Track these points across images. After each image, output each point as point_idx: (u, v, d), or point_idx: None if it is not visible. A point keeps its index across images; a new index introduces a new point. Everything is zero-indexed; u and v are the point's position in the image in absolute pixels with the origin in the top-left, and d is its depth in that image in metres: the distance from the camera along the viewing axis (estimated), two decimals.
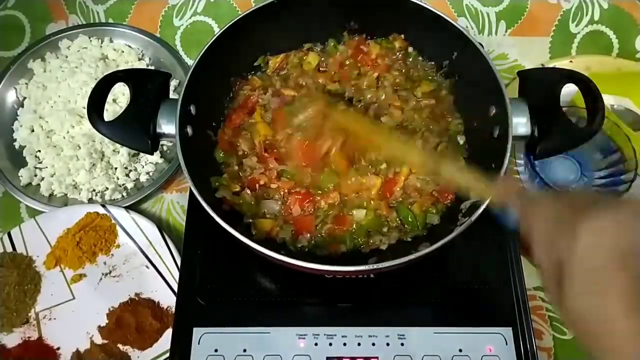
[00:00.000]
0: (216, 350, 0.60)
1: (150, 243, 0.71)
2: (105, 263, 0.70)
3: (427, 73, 0.72)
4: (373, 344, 0.60)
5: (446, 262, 0.67)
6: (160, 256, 0.70)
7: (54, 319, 0.67)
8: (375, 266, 0.52)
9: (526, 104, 0.58)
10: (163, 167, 0.78)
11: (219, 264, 0.67)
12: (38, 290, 0.69)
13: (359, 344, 0.60)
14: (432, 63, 0.73)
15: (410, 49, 0.73)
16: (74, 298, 0.68)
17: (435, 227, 0.62)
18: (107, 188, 0.75)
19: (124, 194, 0.76)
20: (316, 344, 0.60)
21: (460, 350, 0.60)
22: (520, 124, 0.57)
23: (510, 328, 0.61)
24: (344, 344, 0.60)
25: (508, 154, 0.54)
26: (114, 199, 0.75)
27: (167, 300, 0.68)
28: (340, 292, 0.65)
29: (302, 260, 0.52)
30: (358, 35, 0.74)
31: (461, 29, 0.62)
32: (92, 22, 0.91)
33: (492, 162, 0.57)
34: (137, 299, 0.68)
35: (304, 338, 0.61)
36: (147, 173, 0.78)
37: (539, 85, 0.60)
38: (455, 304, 0.64)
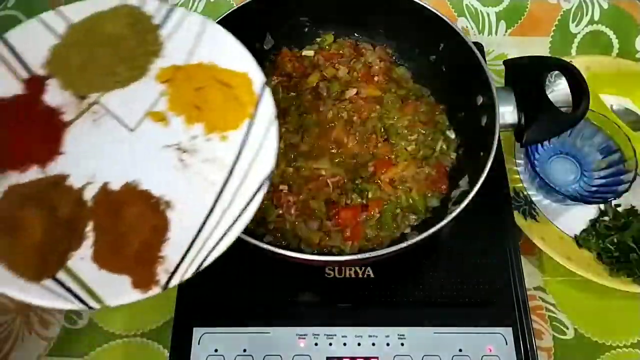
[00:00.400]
0: (216, 350, 0.60)
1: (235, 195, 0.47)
2: (195, 137, 0.49)
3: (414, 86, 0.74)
4: (373, 344, 0.60)
5: (446, 261, 0.67)
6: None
7: (99, 126, 0.49)
8: (367, 255, 0.52)
9: (512, 92, 0.59)
10: None
11: (218, 264, 0.66)
12: (132, 77, 0.51)
13: (359, 344, 0.60)
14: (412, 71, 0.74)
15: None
16: (132, 130, 0.49)
17: (439, 210, 0.63)
18: None
19: None
20: (316, 344, 0.60)
21: (460, 350, 0.60)
22: (507, 112, 0.59)
23: (511, 328, 0.61)
24: (344, 344, 0.60)
25: (495, 142, 0.56)
26: None
27: None
28: (340, 292, 0.65)
29: (296, 251, 0.52)
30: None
31: (445, 19, 0.64)
32: None
33: (481, 151, 0.57)
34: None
35: (304, 338, 0.61)
36: None
37: (525, 74, 0.61)
38: (455, 304, 0.64)
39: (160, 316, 0.69)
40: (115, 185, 0.46)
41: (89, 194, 0.45)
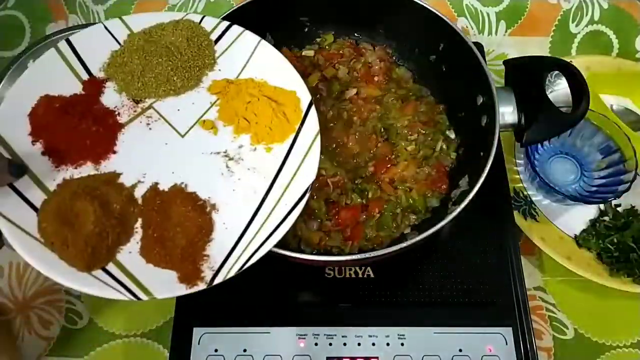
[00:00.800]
0: (216, 350, 0.60)
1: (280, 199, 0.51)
2: (241, 146, 0.53)
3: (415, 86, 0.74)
4: (373, 344, 0.60)
5: (446, 261, 0.67)
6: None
7: (152, 130, 0.52)
8: (367, 255, 0.52)
9: (512, 92, 0.59)
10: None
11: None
12: (185, 86, 0.54)
13: (359, 344, 0.60)
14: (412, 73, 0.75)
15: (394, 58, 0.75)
16: (182, 136, 0.52)
17: (439, 210, 0.63)
18: None
19: None
20: (316, 344, 0.60)
21: (460, 350, 0.60)
22: (507, 112, 0.59)
23: (510, 328, 0.61)
24: (344, 344, 0.60)
25: (495, 142, 0.56)
26: None
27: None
28: (340, 292, 0.65)
29: (296, 251, 0.52)
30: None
31: (445, 19, 0.64)
32: (92, 22, 0.91)
33: (481, 151, 0.57)
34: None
35: (304, 338, 0.61)
36: None
37: (525, 74, 0.61)
38: (455, 304, 0.64)
39: (160, 316, 0.69)
40: (164, 186, 0.49)
41: (139, 193, 0.48)
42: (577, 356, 0.67)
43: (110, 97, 0.53)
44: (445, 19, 0.64)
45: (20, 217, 0.44)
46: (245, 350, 0.60)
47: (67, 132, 0.49)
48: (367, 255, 0.52)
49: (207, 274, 0.45)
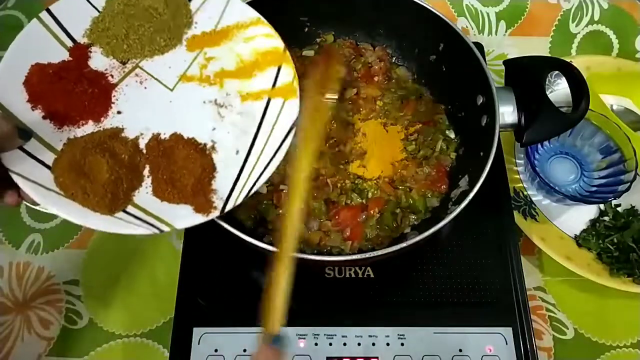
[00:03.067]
0: (216, 350, 0.60)
1: (267, 140, 0.56)
2: (228, 94, 0.57)
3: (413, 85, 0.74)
4: (373, 344, 0.60)
5: (446, 261, 0.67)
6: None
7: (144, 87, 0.56)
8: (367, 255, 0.52)
9: (512, 92, 0.59)
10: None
11: (219, 264, 0.67)
12: (169, 45, 0.58)
13: (359, 344, 0.60)
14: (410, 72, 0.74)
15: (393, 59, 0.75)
16: (172, 90, 0.56)
17: (439, 210, 0.63)
18: None
19: None
20: (316, 344, 0.60)
21: (460, 350, 0.60)
22: (507, 112, 0.59)
23: (510, 328, 0.61)
24: (344, 344, 0.60)
25: (495, 142, 0.56)
26: None
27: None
28: (340, 292, 0.65)
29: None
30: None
31: (445, 19, 0.64)
32: None
33: (481, 151, 0.57)
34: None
35: (304, 338, 0.61)
36: None
37: (525, 74, 0.61)
38: (455, 304, 0.64)
39: (160, 316, 0.69)
40: (165, 135, 0.53)
41: (142, 143, 0.52)
42: (577, 356, 0.67)
43: (99, 61, 0.56)
44: (445, 19, 0.64)
45: (39, 176, 0.47)
46: (245, 350, 0.60)
47: (64, 95, 0.52)
48: (367, 255, 0.52)
49: (219, 204, 0.50)
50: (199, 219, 0.49)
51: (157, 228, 0.48)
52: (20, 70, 0.51)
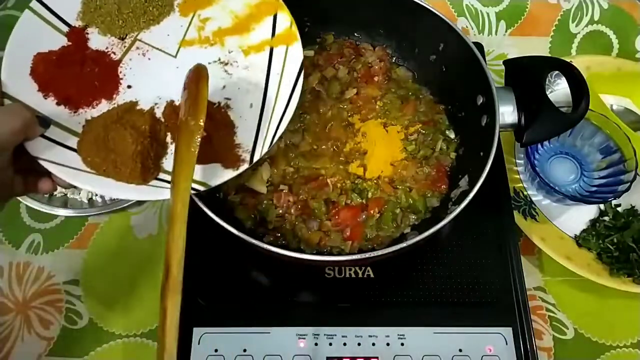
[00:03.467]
0: (216, 351, 0.60)
1: (279, 89, 0.57)
2: (231, 51, 0.58)
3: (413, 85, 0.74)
4: (373, 344, 0.60)
5: (446, 261, 0.67)
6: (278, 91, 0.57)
7: (148, 59, 0.57)
8: (367, 255, 0.52)
9: (512, 92, 0.59)
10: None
11: (219, 264, 0.67)
12: (162, 13, 0.59)
13: (359, 344, 0.60)
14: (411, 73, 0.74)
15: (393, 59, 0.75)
16: (175, 57, 0.57)
17: (439, 210, 0.63)
18: None
19: None
20: (316, 344, 0.60)
21: (460, 350, 0.60)
22: (507, 112, 0.58)
23: (510, 328, 0.61)
24: (344, 344, 0.60)
25: (495, 142, 0.56)
26: (114, 199, 0.75)
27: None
28: (340, 292, 0.65)
29: (296, 251, 0.53)
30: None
31: (445, 19, 0.64)
32: None
33: (481, 151, 0.57)
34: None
35: (304, 338, 0.61)
36: None
37: (525, 74, 0.61)
38: (455, 304, 0.64)
39: None
40: (179, 101, 0.54)
41: (159, 112, 0.54)
42: (577, 356, 0.67)
43: (98, 41, 0.56)
44: (445, 19, 0.64)
45: (67, 159, 0.49)
46: (245, 350, 0.60)
47: (73, 79, 0.53)
48: (367, 255, 0.52)
49: (245, 156, 0.52)
50: (230, 173, 0.51)
51: (193, 189, 0.49)
52: (24, 63, 0.52)
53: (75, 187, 0.50)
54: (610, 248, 0.69)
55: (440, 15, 0.64)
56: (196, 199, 0.52)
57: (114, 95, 0.54)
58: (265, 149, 0.52)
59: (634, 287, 0.67)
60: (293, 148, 0.66)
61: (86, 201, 0.75)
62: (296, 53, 0.57)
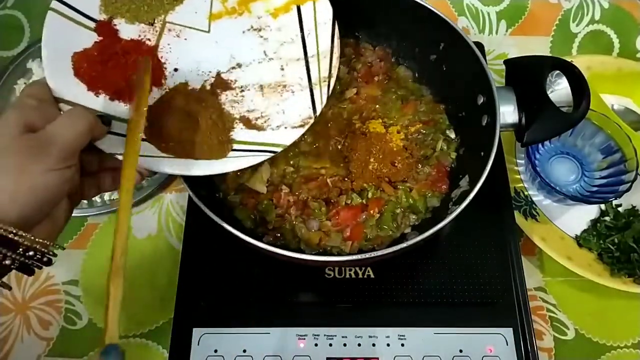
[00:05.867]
0: (216, 351, 0.60)
1: (317, 33, 0.61)
2: (260, 17, 0.61)
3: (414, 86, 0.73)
4: (373, 345, 0.60)
5: (446, 262, 0.66)
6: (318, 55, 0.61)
7: (184, 39, 0.58)
8: (367, 255, 0.52)
9: (513, 92, 0.59)
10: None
11: (218, 264, 0.67)
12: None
13: (359, 345, 0.60)
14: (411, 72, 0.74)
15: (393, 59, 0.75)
16: (208, 32, 0.59)
17: (439, 210, 0.63)
18: None
19: None
20: (316, 345, 0.60)
21: (461, 351, 0.60)
22: (508, 112, 0.58)
23: (511, 328, 0.61)
24: (344, 345, 0.60)
25: (496, 142, 0.55)
26: (114, 199, 0.75)
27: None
28: (340, 292, 0.64)
29: (296, 251, 0.52)
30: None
31: (446, 18, 0.63)
32: None
33: (481, 151, 0.57)
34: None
35: (304, 338, 0.61)
36: None
37: (525, 73, 0.60)
38: (455, 304, 0.64)
39: (160, 316, 0.69)
40: (227, 73, 0.57)
41: (209, 87, 0.56)
42: (577, 356, 0.67)
43: (128, 30, 0.56)
44: (445, 18, 0.63)
45: (145, 149, 0.50)
46: (245, 351, 0.60)
47: (118, 73, 0.53)
48: (367, 255, 0.52)
49: (309, 112, 0.56)
50: (301, 129, 0.55)
51: (271, 151, 0.53)
52: (65, 66, 0.51)
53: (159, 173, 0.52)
54: (611, 248, 0.69)
55: (441, 15, 0.64)
56: (196, 199, 0.52)
57: (162, 81, 0.55)
58: (324, 98, 0.56)
59: (635, 288, 0.66)
60: (293, 147, 0.66)
61: (85, 201, 0.75)
62: (324, 6, 0.59)
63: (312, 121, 0.56)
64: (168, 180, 0.77)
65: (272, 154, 0.54)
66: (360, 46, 0.75)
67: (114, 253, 0.44)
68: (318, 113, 0.55)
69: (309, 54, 0.58)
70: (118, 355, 0.40)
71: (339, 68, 0.72)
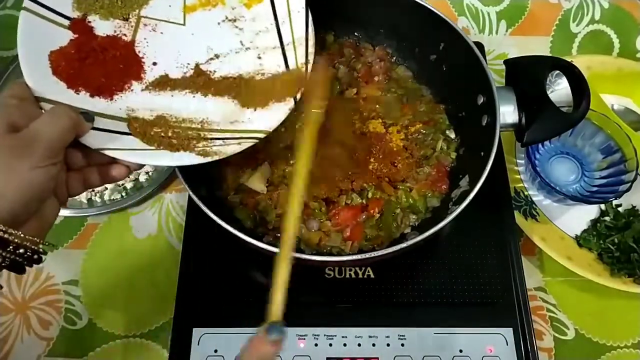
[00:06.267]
0: (216, 351, 0.60)
1: (290, 21, 0.61)
2: (234, 8, 0.61)
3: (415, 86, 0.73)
4: (373, 345, 0.60)
5: (446, 262, 0.66)
6: (293, 39, 0.61)
7: (160, 32, 0.57)
8: (367, 255, 0.52)
9: (513, 92, 0.59)
10: (162, 167, 0.78)
11: (218, 264, 0.67)
12: None
13: (359, 345, 0.60)
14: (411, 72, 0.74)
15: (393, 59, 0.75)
16: (184, 25, 0.59)
17: (439, 210, 0.63)
18: (106, 188, 0.75)
19: (123, 194, 0.76)
20: (316, 345, 0.60)
21: (461, 351, 0.60)
22: (508, 112, 0.58)
23: (511, 328, 0.61)
24: (344, 345, 0.60)
25: (496, 142, 0.55)
26: (114, 199, 0.75)
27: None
28: (340, 292, 0.64)
29: (296, 252, 0.52)
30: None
31: (446, 18, 0.63)
32: None
33: (481, 151, 0.57)
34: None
35: (304, 338, 0.61)
36: (146, 172, 0.78)
37: (525, 73, 0.60)
38: (455, 304, 0.64)
39: (160, 316, 0.69)
40: (205, 64, 0.57)
41: (192, 77, 0.56)
42: (577, 356, 0.67)
43: (103, 27, 0.55)
44: (445, 18, 0.63)
45: (130, 144, 0.50)
46: None
47: (96, 69, 0.53)
48: (367, 255, 0.52)
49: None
50: (289, 104, 0.56)
51: (264, 131, 0.54)
52: (42, 64, 0.51)
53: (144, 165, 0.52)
54: (611, 248, 0.69)
55: (441, 15, 0.64)
56: (196, 199, 0.52)
57: (142, 75, 0.54)
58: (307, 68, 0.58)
59: (635, 288, 0.66)
60: (292, 148, 0.66)
61: (85, 201, 0.75)
62: None
63: (299, 94, 0.56)
64: (168, 180, 0.77)
65: (255, 141, 0.54)
66: (360, 46, 0.76)
67: (283, 244, 0.48)
68: (297, 99, 0.56)
69: (284, 42, 0.59)
70: (281, 331, 0.45)
71: (338, 68, 0.73)
